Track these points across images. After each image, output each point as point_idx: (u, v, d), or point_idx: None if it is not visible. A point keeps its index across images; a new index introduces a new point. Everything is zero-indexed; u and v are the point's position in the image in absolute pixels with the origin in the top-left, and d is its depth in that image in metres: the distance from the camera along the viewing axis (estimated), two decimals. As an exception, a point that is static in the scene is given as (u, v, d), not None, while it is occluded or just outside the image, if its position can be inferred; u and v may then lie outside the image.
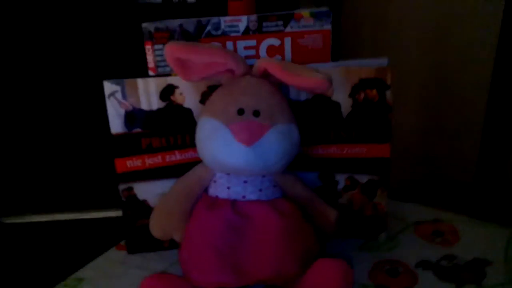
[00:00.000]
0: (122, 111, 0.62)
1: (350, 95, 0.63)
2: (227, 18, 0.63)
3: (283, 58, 0.66)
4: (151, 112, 0.63)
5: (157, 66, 0.64)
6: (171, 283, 0.51)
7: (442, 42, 1.20)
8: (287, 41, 0.65)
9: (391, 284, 0.58)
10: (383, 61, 0.62)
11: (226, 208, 0.56)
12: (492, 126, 1.03)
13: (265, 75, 0.58)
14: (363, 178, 0.65)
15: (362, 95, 0.62)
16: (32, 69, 0.96)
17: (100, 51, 0.93)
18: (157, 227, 0.61)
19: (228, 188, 0.57)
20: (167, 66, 0.63)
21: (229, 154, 0.53)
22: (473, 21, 1.16)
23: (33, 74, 0.97)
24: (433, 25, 1.20)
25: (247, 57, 0.64)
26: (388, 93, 0.61)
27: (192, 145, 0.63)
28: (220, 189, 0.58)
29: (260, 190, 0.57)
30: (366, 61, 0.62)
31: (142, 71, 0.64)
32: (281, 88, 0.60)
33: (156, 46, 0.63)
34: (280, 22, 0.64)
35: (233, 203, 0.56)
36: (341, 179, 0.66)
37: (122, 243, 0.70)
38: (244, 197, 0.57)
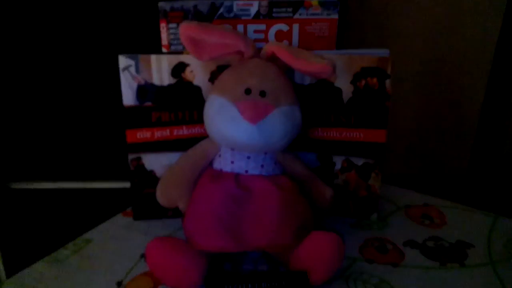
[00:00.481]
0: (135, 85, 0.65)
1: (352, 82, 0.66)
2: (240, 1, 0.67)
3: (290, 43, 0.69)
4: (162, 88, 0.66)
5: (170, 44, 0.67)
6: (175, 245, 0.54)
7: (444, 35, 1.23)
8: (295, 27, 0.68)
9: (380, 259, 0.62)
10: (384, 52, 0.65)
11: (230, 180, 0.59)
12: (487, 120, 1.07)
13: (273, 59, 0.61)
14: (359, 161, 0.69)
15: (363, 82, 0.66)
16: (52, 43, 0.99)
17: (117, 27, 0.96)
18: (163, 195, 0.64)
19: (232, 162, 0.61)
20: (179, 44, 0.67)
21: (235, 130, 0.57)
22: (475, 16, 1.18)
23: (53, 46, 0.99)
24: (436, 19, 1.22)
25: (256, 40, 0.67)
26: (388, 82, 0.65)
27: (199, 121, 0.67)
28: (224, 163, 0.62)
29: (262, 166, 0.61)
30: (368, 51, 0.66)
31: (156, 48, 0.68)
32: (287, 71, 0.63)
33: (171, 25, 0.66)
34: (290, 9, 0.67)
35: (236, 176, 0.60)
36: (338, 161, 0.70)
37: (129, 210, 0.74)
38: (246, 171, 0.61)
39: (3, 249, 1.11)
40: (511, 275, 0.58)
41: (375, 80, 0.65)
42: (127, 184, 0.70)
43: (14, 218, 1.11)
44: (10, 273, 1.09)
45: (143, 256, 0.62)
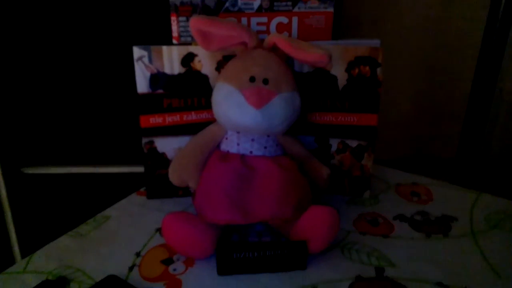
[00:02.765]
0: (148, 74, 0.71)
1: (346, 70, 0.71)
2: (243, -4, 0.72)
3: (290, 35, 0.74)
4: (172, 76, 0.71)
5: (180, 36, 0.73)
6: (189, 219, 0.60)
7: (437, 27, 1.28)
8: (295, 20, 0.73)
9: (372, 231, 0.68)
10: (376, 42, 0.71)
11: (236, 161, 0.65)
12: (473, 111, 1.12)
13: (274, 49, 0.66)
14: (353, 143, 0.75)
15: (357, 70, 0.71)
16: (70, 34, 1.03)
17: (131, 20, 1.01)
18: (175, 175, 0.69)
19: (238, 144, 0.66)
20: (188, 36, 0.72)
21: (241, 114, 0.62)
22: (466, 7, 1.23)
23: (70, 37, 1.03)
24: (429, 12, 1.27)
25: (259, 32, 0.73)
26: (379, 70, 0.70)
27: (207, 106, 0.72)
28: (231, 145, 0.67)
29: (265, 147, 0.66)
30: (361, 41, 0.71)
31: (167, 40, 0.73)
32: (287, 60, 0.68)
33: (180, 18, 0.71)
34: (289, 3, 0.72)
35: (242, 157, 0.65)
36: (334, 143, 0.75)
37: (142, 189, 0.80)
38: (251, 152, 0.66)
39: (18, 233, 1.16)
40: (489, 245, 0.64)
41: (367, 68, 0.70)
42: (137, 169, 0.74)
43: (28, 203, 1.16)
44: (25, 255, 1.14)
45: (158, 230, 0.68)
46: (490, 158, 1.32)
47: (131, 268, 0.60)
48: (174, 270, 0.59)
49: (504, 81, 1.21)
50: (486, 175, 1.20)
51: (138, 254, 0.63)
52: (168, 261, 0.61)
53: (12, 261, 1.16)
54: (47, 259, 0.62)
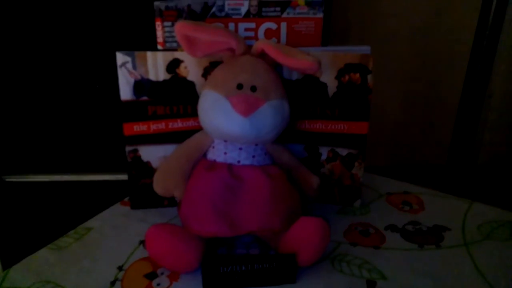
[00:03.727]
0: (132, 80, 0.69)
1: (336, 77, 0.70)
2: (231, 1, 0.70)
3: (278, 41, 0.73)
4: (157, 83, 0.70)
5: (165, 41, 0.71)
6: (173, 231, 0.58)
7: (425, 34, 1.28)
8: (283, 26, 0.72)
9: (363, 242, 0.66)
10: (366, 49, 0.69)
11: (223, 170, 0.63)
12: (463, 117, 1.12)
13: (262, 55, 0.64)
14: (344, 151, 0.73)
15: (347, 77, 0.70)
16: (50, 40, 1.00)
17: (114, 25, 0.98)
18: (160, 185, 0.68)
19: (225, 153, 0.65)
20: (174, 41, 0.70)
21: (228, 123, 0.60)
22: (454, 15, 1.24)
23: (51, 43, 1.01)
24: (418, 19, 1.27)
25: (246, 38, 0.71)
26: (370, 77, 0.69)
27: (193, 114, 0.71)
28: (217, 154, 0.65)
29: (253, 156, 0.65)
30: (351, 48, 0.70)
31: (152, 45, 0.71)
32: (276, 67, 0.67)
33: (165, 23, 0.70)
34: (278, 8, 0.71)
35: (229, 166, 0.64)
36: (324, 151, 0.74)
37: (126, 199, 0.77)
38: (239, 162, 0.64)
39: (-1, 241, 1.13)
40: (482, 255, 0.62)
41: (357, 75, 0.69)
42: (121, 177, 0.73)
43: (9, 211, 1.13)
44: (6, 265, 1.11)
45: (142, 242, 0.66)
46: (477, 166, 1.33)
47: (113, 283, 0.58)
48: (158, 285, 0.57)
49: (494, 86, 1.21)
50: (474, 182, 1.19)
51: (120, 268, 0.60)
52: (151, 275, 0.59)
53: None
54: (25, 274, 0.59)
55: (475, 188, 1.12)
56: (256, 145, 0.65)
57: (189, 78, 0.70)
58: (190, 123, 0.72)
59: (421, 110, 1.40)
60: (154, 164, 0.73)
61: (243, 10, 0.70)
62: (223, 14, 0.70)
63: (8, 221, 1.13)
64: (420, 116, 1.41)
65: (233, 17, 0.71)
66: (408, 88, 1.38)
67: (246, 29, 0.72)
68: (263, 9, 0.71)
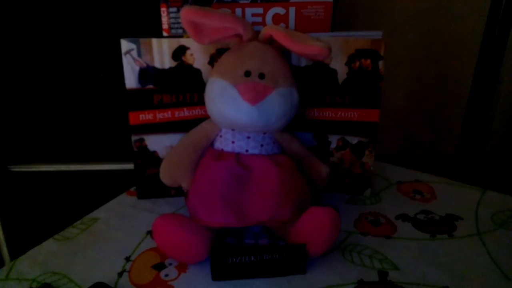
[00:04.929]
0: (137, 68, 0.67)
1: (346, 64, 0.68)
2: (238, -14, 0.68)
3: (287, 26, 0.71)
4: (163, 71, 0.68)
5: (170, 28, 0.69)
6: (181, 221, 0.57)
7: (434, 18, 1.25)
8: (292, 11, 0.70)
9: (373, 232, 0.65)
10: (377, 34, 0.68)
11: (231, 159, 0.62)
12: (474, 105, 1.10)
13: (270, 41, 0.63)
14: (354, 140, 0.72)
15: (357, 64, 0.68)
16: (55, 27, 0.99)
17: (118, 12, 0.96)
18: (167, 175, 0.67)
19: (233, 142, 0.63)
20: (180, 28, 0.68)
21: (235, 111, 0.59)
22: (464, 4, 1.21)
23: (55, 31, 0.99)
24: (427, 5, 1.25)
25: (254, 23, 0.69)
26: (381, 63, 0.67)
27: (199, 102, 0.69)
28: (225, 143, 0.64)
29: (262, 145, 0.64)
30: (362, 33, 0.68)
31: (157, 32, 0.69)
32: (284, 53, 0.65)
33: (171, 9, 0.68)
34: (286, -7, 0.69)
35: (237, 155, 0.63)
36: (334, 140, 0.73)
37: (132, 189, 0.76)
38: (247, 151, 0.63)
39: (6, 231, 1.13)
40: (497, 245, 0.61)
41: (368, 61, 0.68)
42: (127, 166, 0.72)
43: (15, 201, 1.13)
44: (13, 255, 1.11)
45: (149, 232, 0.65)
46: (486, 154, 1.31)
47: (120, 274, 0.57)
48: (166, 275, 0.56)
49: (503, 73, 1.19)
50: (484, 170, 1.18)
51: (128, 259, 0.60)
52: (159, 266, 0.58)
53: (1, 263, 1.14)
54: (31, 265, 0.59)
55: (485, 176, 1.10)
56: (265, 133, 0.64)
57: (195, 65, 0.69)
58: (196, 112, 0.71)
59: (432, 94, 1.38)
60: (161, 153, 0.72)
61: (251, -6, 0.69)
62: (230, -1, 0.69)
63: (14, 212, 1.13)
64: (430, 103, 1.40)
65: (240, 2, 0.69)
66: (418, 75, 1.36)
67: (253, 15, 0.70)
68: (271, -7, 0.69)
